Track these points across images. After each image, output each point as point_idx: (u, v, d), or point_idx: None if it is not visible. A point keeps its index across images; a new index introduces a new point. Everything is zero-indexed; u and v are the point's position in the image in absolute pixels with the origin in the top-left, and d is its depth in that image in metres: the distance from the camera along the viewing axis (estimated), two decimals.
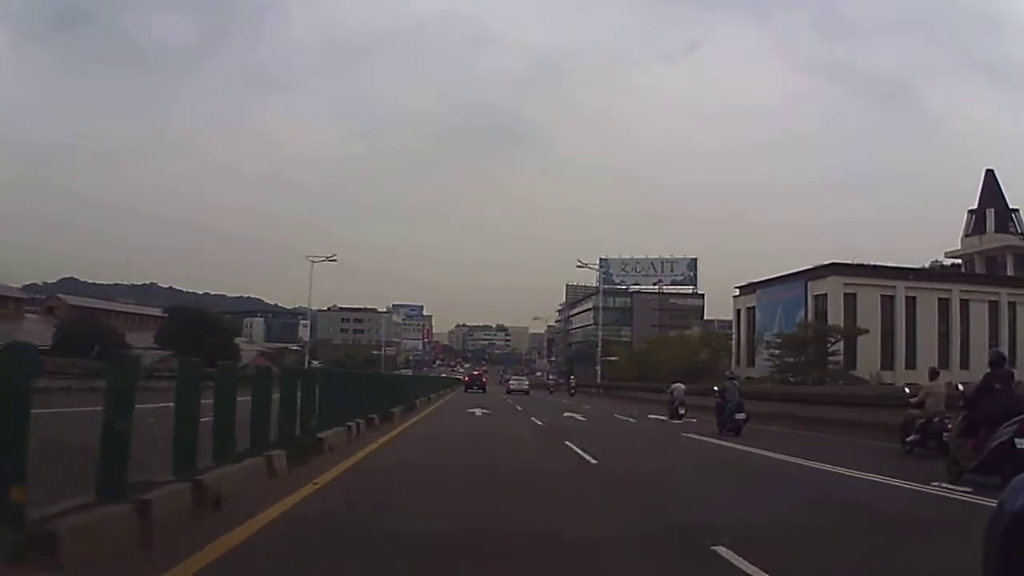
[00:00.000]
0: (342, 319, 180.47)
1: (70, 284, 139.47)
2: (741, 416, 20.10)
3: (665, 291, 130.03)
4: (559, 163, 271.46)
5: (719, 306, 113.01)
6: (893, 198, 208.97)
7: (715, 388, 23.32)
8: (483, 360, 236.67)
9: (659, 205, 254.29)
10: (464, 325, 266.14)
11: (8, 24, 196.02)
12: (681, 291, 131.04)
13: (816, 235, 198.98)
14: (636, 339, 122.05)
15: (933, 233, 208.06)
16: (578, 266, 73.90)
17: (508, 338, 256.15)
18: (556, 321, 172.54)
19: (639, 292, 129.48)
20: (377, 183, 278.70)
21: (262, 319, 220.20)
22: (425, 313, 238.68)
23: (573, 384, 67.24)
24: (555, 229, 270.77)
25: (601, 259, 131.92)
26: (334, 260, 69.04)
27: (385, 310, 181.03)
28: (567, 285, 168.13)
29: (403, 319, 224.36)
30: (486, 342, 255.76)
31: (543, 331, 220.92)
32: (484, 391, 61.58)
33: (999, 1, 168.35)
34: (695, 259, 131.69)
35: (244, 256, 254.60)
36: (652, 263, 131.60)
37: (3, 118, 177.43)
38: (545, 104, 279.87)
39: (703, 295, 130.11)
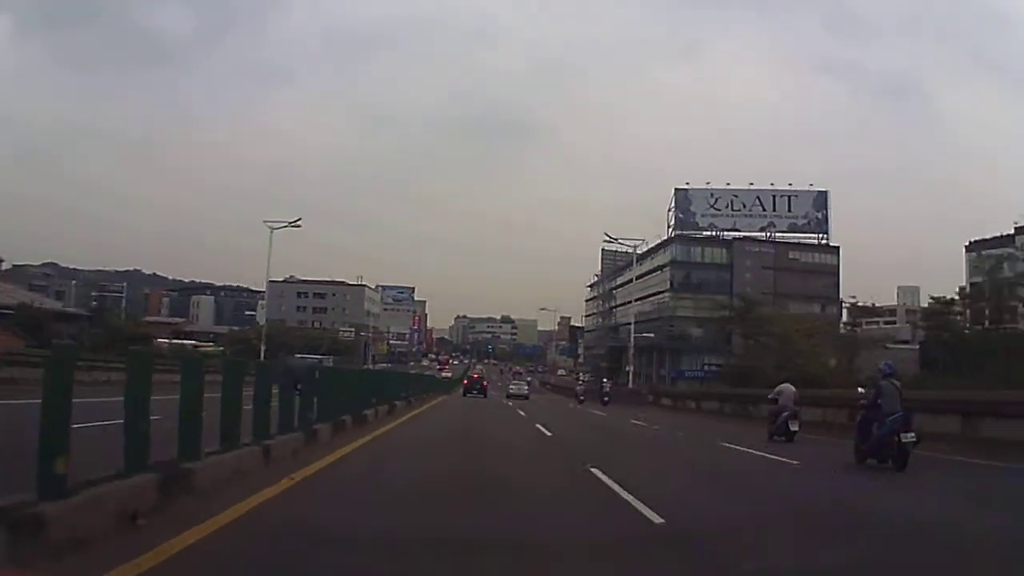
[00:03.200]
0: (299, 294, 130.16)
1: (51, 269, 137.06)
2: (909, 438, 11.22)
3: (780, 239, 79.77)
4: (565, 158, 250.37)
5: None
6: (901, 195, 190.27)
7: (859, 389, 13.64)
8: (487, 354, 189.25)
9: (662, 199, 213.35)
10: (464, 316, 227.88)
11: (10, 13, 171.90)
12: (805, 240, 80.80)
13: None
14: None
15: (942, 229, 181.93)
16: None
17: (515, 331, 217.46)
18: (588, 299, 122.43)
19: (740, 238, 79.04)
20: (379, 176, 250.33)
21: (211, 297, 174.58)
22: (418, 298, 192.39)
23: (608, 390, 46.13)
24: (561, 225, 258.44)
25: (677, 189, 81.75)
26: (297, 226, 49.85)
27: (357, 282, 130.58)
28: (603, 250, 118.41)
29: (388, 302, 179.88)
30: (489, 335, 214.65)
31: (556, 323, 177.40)
32: (485, 395, 50.05)
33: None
34: (824, 192, 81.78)
35: (238, 245, 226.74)
36: (758, 197, 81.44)
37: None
38: (550, 98, 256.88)
39: (838, 248, 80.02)
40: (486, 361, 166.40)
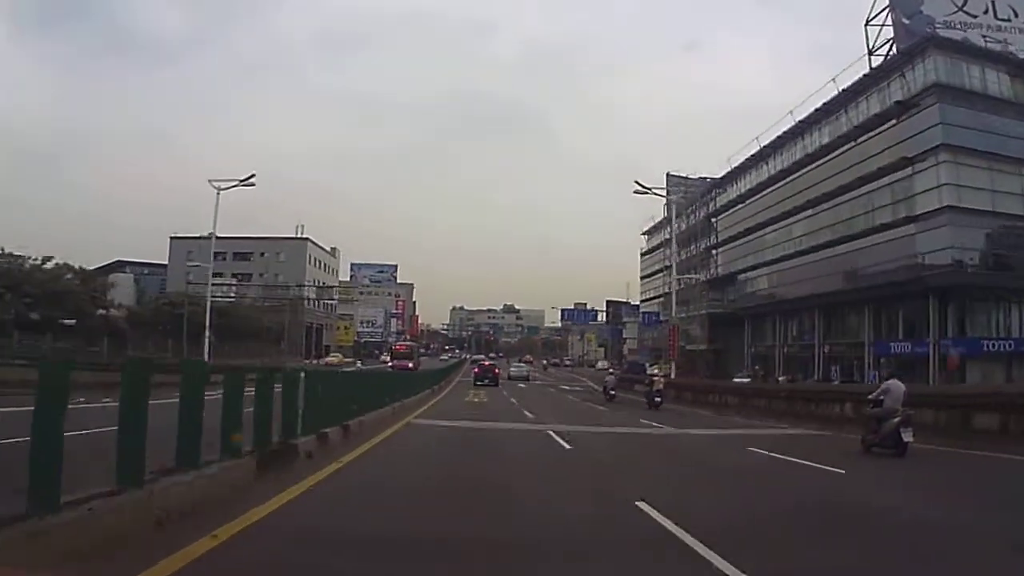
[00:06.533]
0: (216, 254, 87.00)
1: None
2: None
3: None
4: (565, 149, 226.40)
5: None
6: None
7: None
8: (489, 346, 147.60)
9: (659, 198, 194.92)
10: (461, 308, 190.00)
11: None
12: None
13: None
14: None
15: None
16: None
17: (520, 321, 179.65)
18: (645, 252, 79.98)
19: None
20: (374, 172, 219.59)
21: (131, 275, 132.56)
22: (404, 280, 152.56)
23: (658, 383, 27.30)
24: (563, 217, 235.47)
25: None
26: (251, 184, 36.78)
27: (297, 235, 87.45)
28: (668, 175, 75.75)
29: (365, 283, 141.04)
30: (491, 327, 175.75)
31: (571, 309, 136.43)
32: (497, 384, 42.73)
33: None
34: None
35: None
36: None
37: None
38: (549, 88, 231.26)
39: None
40: (492, 356, 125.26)
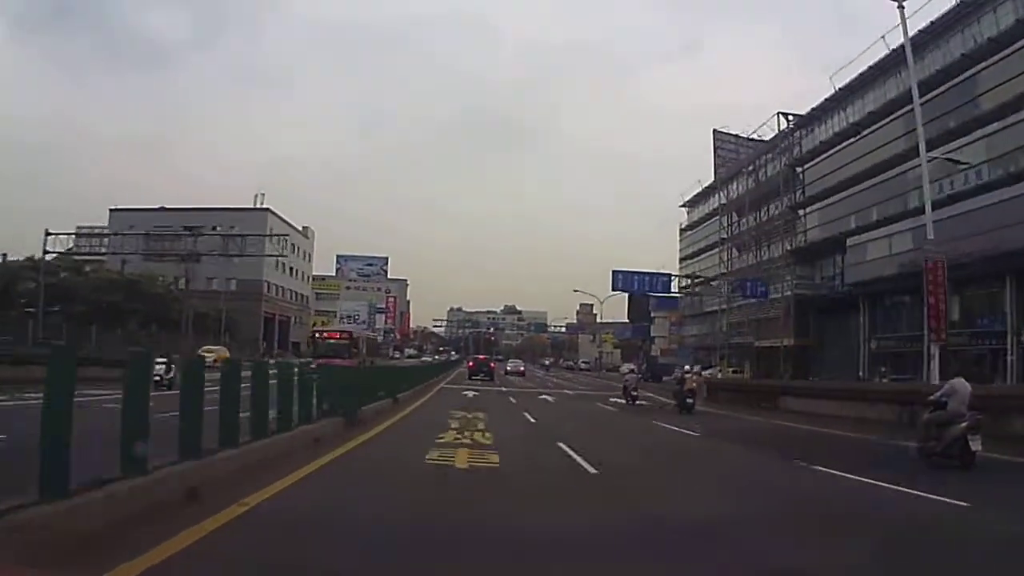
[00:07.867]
0: (154, 231, 72.34)
1: None
2: None
3: None
4: (563, 156, 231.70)
5: None
6: None
7: None
8: (491, 345, 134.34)
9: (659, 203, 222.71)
10: (459, 309, 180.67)
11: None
12: None
13: None
14: None
15: None
16: None
17: (521, 322, 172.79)
18: (686, 227, 65.66)
19: None
20: (371, 177, 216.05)
21: None
22: (398, 276, 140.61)
23: (690, 383, 22.87)
24: (561, 223, 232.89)
25: None
26: None
27: (258, 205, 73.36)
28: (715, 131, 62.04)
29: (352, 278, 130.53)
30: (491, 328, 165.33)
31: (576, 311, 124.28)
32: (492, 379, 43.34)
33: None
34: None
35: None
36: None
37: None
38: (552, 94, 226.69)
39: None
40: (493, 358, 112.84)
